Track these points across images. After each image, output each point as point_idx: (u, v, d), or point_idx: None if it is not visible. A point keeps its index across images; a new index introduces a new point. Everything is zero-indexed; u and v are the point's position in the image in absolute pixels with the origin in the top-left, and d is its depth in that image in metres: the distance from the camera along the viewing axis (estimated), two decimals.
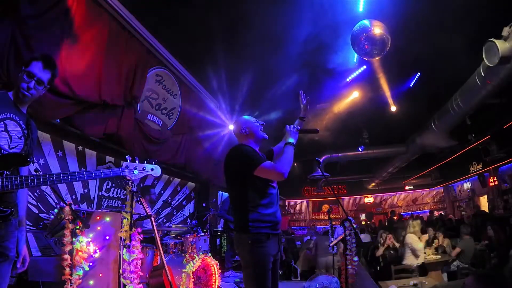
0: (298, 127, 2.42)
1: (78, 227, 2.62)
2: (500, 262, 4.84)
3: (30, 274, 2.66)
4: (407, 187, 16.42)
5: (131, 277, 2.51)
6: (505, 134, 8.69)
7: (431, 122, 8.37)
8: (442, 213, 13.95)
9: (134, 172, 2.10)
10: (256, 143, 2.37)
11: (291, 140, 2.30)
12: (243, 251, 2.13)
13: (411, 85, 7.68)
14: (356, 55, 6.35)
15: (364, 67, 7.20)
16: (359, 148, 11.30)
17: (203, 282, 4.10)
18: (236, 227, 2.22)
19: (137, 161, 2.15)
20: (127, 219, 2.51)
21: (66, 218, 2.62)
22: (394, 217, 14.69)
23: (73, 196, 4.44)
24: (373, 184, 16.59)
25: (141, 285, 2.62)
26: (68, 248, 2.62)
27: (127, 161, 2.12)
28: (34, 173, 1.76)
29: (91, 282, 2.70)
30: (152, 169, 2.17)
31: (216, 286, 4.17)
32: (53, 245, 3.15)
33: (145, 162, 2.18)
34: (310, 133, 2.58)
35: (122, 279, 2.52)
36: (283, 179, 2.13)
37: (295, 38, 5.74)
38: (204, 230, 5.77)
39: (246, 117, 2.45)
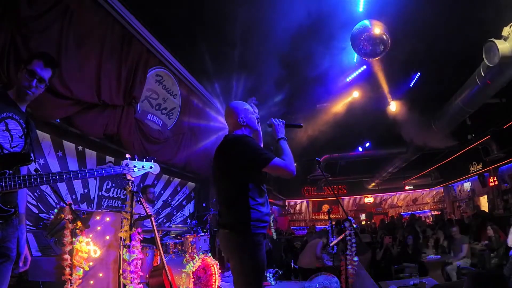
0: (283, 120, 2.22)
1: (78, 227, 2.62)
2: (500, 262, 4.84)
3: (30, 274, 2.67)
4: (407, 187, 16.43)
5: (131, 277, 2.51)
6: (505, 134, 8.69)
7: (431, 122, 8.37)
8: (444, 213, 13.94)
9: (134, 170, 2.14)
10: (250, 135, 2.15)
11: (281, 135, 2.14)
12: (242, 254, 1.88)
13: (411, 85, 7.68)
14: (356, 55, 6.36)
15: (364, 67, 7.20)
16: (359, 148, 11.31)
17: (203, 282, 4.10)
18: (230, 226, 1.93)
19: (136, 159, 2.18)
20: (127, 219, 2.51)
21: (66, 218, 2.62)
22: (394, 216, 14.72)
23: (73, 196, 4.44)
24: (373, 184, 16.60)
25: (141, 285, 2.62)
26: (68, 248, 2.62)
27: (126, 159, 2.14)
28: (34, 173, 1.76)
29: (91, 282, 2.71)
30: (151, 167, 2.22)
31: (216, 286, 4.17)
32: (53, 245, 3.15)
33: (144, 160, 2.21)
34: (295, 127, 2.45)
35: (122, 279, 2.52)
36: (293, 176, 1.99)
37: (295, 38, 5.74)
38: (204, 230, 5.78)
39: (242, 103, 2.18)
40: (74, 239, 2.65)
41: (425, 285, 4.32)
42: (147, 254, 3.60)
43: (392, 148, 11.78)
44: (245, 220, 1.88)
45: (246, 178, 1.96)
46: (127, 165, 2.13)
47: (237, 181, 1.97)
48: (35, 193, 3.82)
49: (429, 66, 6.85)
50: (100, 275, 2.77)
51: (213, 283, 4.14)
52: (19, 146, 1.83)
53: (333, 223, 6.17)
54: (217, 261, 4.29)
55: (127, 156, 2.17)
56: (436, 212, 15.20)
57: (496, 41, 4.49)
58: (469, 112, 6.90)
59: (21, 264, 1.83)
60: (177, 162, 6.23)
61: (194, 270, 3.71)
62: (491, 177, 10.85)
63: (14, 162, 1.75)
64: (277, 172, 2.00)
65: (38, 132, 2.55)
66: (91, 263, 2.70)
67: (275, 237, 7.69)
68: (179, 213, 7.25)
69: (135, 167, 2.15)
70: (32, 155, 1.84)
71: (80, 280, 2.60)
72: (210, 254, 4.49)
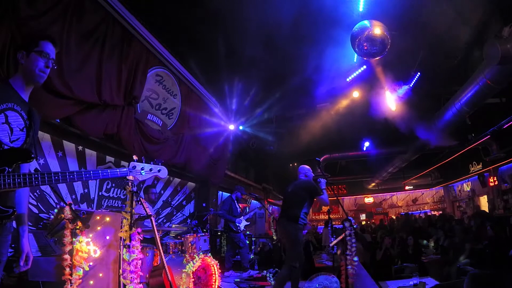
0: (325, 180, 4.27)
1: (78, 227, 2.62)
2: (500, 262, 4.84)
3: (30, 274, 2.66)
4: (407, 187, 16.43)
5: (131, 277, 2.51)
6: (505, 134, 8.70)
7: (431, 122, 8.38)
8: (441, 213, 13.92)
9: (142, 173, 2.02)
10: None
11: (323, 186, 4.17)
12: (295, 231, 4.00)
13: (411, 85, 7.68)
14: (356, 55, 6.36)
15: (364, 67, 7.20)
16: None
17: (203, 282, 4.10)
18: (292, 219, 4.04)
19: (143, 161, 2.07)
20: (127, 219, 2.51)
21: (66, 218, 2.61)
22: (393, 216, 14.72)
23: (73, 196, 4.44)
24: (373, 184, 16.61)
25: (141, 285, 2.62)
26: (68, 248, 2.61)
27: (133, 161, 2.03)
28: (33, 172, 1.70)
29: (91, 282, 2.70)
30: (159, 170, 2.10)
31: (216, 286, 4.17)
32: (53, 245, 3.14)
33: (151, 162, 2.10)
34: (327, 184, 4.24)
35: (122, 279, 2.51)
36: (328, 205, 4.63)
37: (296, 38, 5.74)
38: (204, 230, 5.78)
39: (307, 167, 4.40)
40: (74, 239, 2.64)
41: (425, 285, 4.32)
42: (147, 254, 3.60)
43: (392, 148, 11.78)
44: (298, 217, 4.03)
45: (305, 200, 4.13)
46: (134, 167, 2.01)
47: (305, 200, 4.11)
48: (35, 193, 3.82)
49: (429, 66, 6.85)
50: (100, 275, 2.76)
51: (213, 283, 4.14)
52: (20, 140, 1.71)
53: (333, 223, 6.16)
54: (217, 261, 4.28)
55: (134, 157, 2.04)
56: (436, 212, 15.20)
57: (497, 41, 4.49)
58: (469, 112, 6.90)
59: (22, 263, 1.72)
60: (177, 162, 6.22)
61: (194, 270, 3.71)
62: (491, 177, 10.86)
63: (14, 158, 1.63)
64: (321, 200, 4.17)
65: (38, 132, 2.51)
66: (91, 263, 2.70)
67: (275, 237, 7.69)
68: (179, 213, 7.25)
69: (143, 169, 2.03)
70: (33, 151, 1.72)
71: (80, 280, 2.59)
72: (210, 254, 4.49)
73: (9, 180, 1.54)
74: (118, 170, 1.94)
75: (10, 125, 1.67)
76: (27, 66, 1.73)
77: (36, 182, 1.61)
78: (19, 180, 1.56)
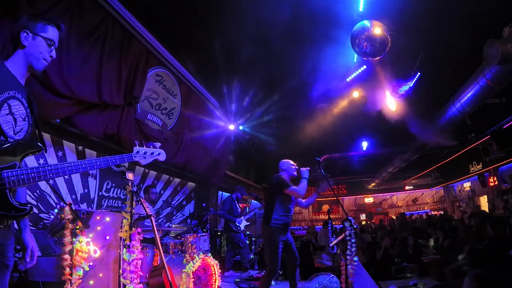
0: (308, 168, 3.93)
1: (78, 227, 2.62)
2: (500, 262, 4.83)
3: (30, 274, 2.67)
4: (407, 187, 16.42)
5: (131, 277, 2.51)
6: (505, 134, 8.69)
7: (431, 121, 8.38)
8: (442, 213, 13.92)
9: (145, 157, 2.08)
10: (287, 177, 3.90)
11: (304, 176, 3.83)
12: (266, 235, 3.72)
13: (411, 85, 7.67)
14: (356, 55, 6.35)
15: (364, 67, 7.19)
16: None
17: (203, 282, 4.10)
18: (264, 220, 3.76)
19: (144, 146, 2.11)
20: (127, 219, 2.51)
21: (66, 218, 2.61)
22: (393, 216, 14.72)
23: (73, 196, 4.44)
24: (373, 184, 16.60)
25: (141, 285, 2.62)
26: (68, 248, 2.61)
27: (135, 145, 2.08)
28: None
29: (91, 282, 2.70)
30: (159, 154, 2.17)
31: (216, 286, 4.17)
32: (53, 245, 3.14)
33: (151, 146, 2.16)
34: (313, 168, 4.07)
35: (122, 279, 2.52)
36: (300, 196, 3.81)
37: (295, 38, 5.74)
38: (204, 230, 5.78)
39: (286, 160, 4.04)
40: (74, 239, 2.65)
41: (425, 285, 4.33)
42: (147, 254, 3.60)
43: (392, 148, 11.78)
44: (270, 218, 3.68)
45: (275, 197, 3.76)
46: (137, 152, 2.04)
47: (274, 198, 3.76)
48: (35, 193, 3.82)
49: (429, 66, 6.85)
50: (100, 275, 2.77)
51: (213, 283, 4.14)
52: (23, 131, 1.59)
53: (333, 223, 6.17)
54: (217, 261, 4.28)
55: (136, 142, 2.10)
56: (436, 212, 15.20)
57: (496, 41, 4.49)
58: (469, 112, 6.90)
59: (28, 259, 1.65)
60: (177, 162, 6.23)
61: (194, 270, 3.71)
62: (491, 177, 10.86)
63: (23, 151, 1.50)
64: (291, 193, 3.74)
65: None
66: (91, 263, 2.70)
67: None
68: (179, 213, 7.25)
69: (145, 153, 2.08)
70: (39, 142, 1.62)
71: (80, 280, 2.60)
72: (210, 254, 4.49)
73: (22, 176, 1.43)
74: (124, 156, 1.94)
75: (14, 115, 1.54)
76: (29, 50, 1.62)
77: (51, 175, 1.50)
78: (33, 174, 1.45)
